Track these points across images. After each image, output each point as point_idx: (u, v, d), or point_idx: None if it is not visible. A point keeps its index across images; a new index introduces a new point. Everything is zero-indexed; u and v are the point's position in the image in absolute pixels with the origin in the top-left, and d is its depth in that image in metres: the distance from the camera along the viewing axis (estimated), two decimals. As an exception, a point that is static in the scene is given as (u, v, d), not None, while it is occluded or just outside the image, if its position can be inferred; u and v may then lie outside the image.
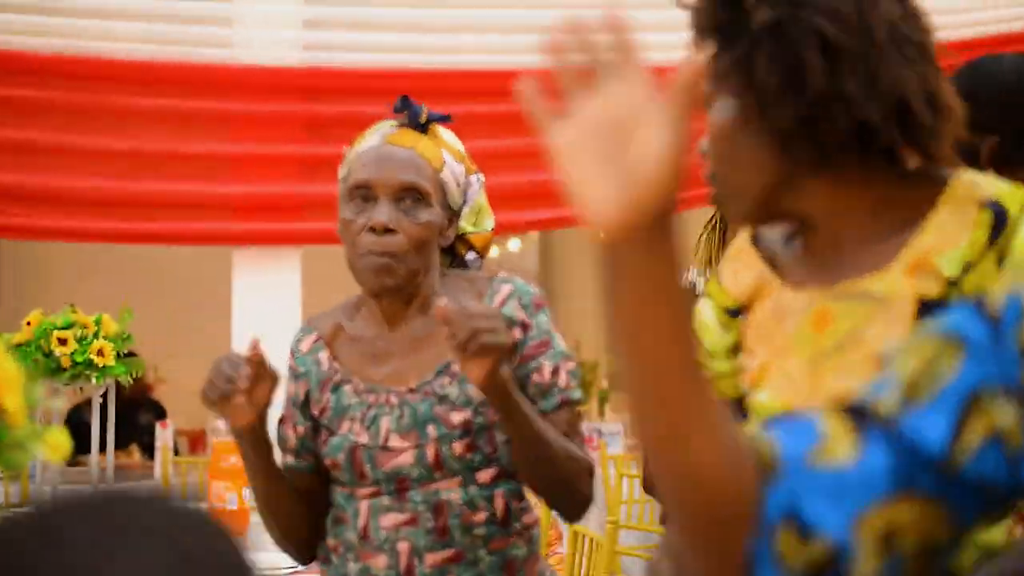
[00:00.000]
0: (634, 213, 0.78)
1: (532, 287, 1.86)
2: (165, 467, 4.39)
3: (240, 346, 4.38)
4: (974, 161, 1.87)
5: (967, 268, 1.24)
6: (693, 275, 2.76)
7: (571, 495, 1.82)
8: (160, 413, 6.01)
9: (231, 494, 3.01)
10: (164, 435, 4.74)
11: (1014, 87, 1.94)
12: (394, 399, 1.80)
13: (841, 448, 0.79)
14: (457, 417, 1.76)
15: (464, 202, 1.89)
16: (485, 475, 1.78)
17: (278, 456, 1.87)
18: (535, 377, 1.80)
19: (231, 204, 4.40)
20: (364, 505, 1.80)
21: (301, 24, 4.44)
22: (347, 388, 1.84)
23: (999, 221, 1.25)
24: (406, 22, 4.52)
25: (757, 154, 1.29)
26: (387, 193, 1.79)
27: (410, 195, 1.79)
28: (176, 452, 5.09)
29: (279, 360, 4.71)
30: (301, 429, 1.89)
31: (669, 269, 0.80)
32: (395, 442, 1.78)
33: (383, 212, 1.77)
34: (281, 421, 1.93)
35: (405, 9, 4.52)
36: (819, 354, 1.30)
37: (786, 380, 1.33)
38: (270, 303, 4.38)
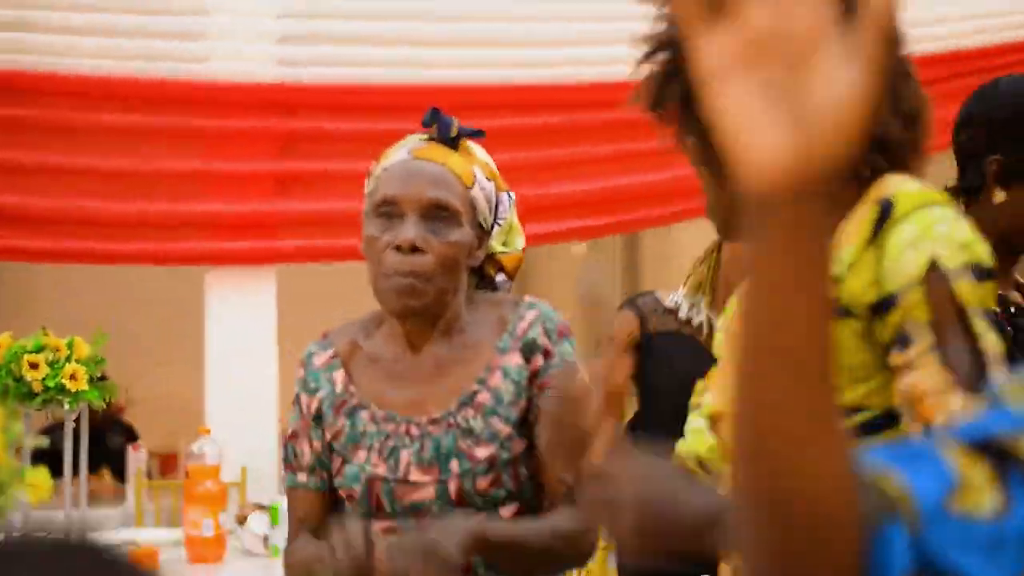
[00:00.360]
0: (805, 167, 0.64)
1: (558, 314, 1.79)
2: (139, 491, 4.32)
3: (213, 368, 4.31)
4: (983, 181, 1.97)
5: (849, 268, 1.25)
6: (678, 297, 2.75)
7: (572, 562, 1.83)
8: (131, 435, 5.93)
9: (207, 520, 2.96)
10: (136, 458, 4.66)
11: (1008, 105, 2.00)
12: (415, 430, 1.73)
13: (983, 496, 0.69)
14: (482, 452, 1.70)
15: (494, 221, 1.81)
16: (507, 511, 1.72)
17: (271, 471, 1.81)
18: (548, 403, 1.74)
19: (204, 223, 4.33)
20: (382, 543, 1.69)
21: (275, 40, 4.39)
22: (363, 414, 1.76)
23: (882, 217, 1.25)
24: (382, 37, 4.48)
25: (706, 173, 1.33)
26: (415, 210, 1.70)
27: (439, 212, 1.71)
28: (149, 476, 5.01)
29: (261, 378, 4.62)
30: (318, 444, 1.80)
31: (827, 240, 0.67)
32: (416, 475, 1.71)
33: (410, 230, 1.69)
34: (293, 436, 1.83)
35: (381, 24, 4.48)
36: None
37: (719, 386, 1.36)
38: (244, 323, 4.32)
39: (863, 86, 0.63)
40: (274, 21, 4.38)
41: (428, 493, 1.70)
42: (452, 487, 1.70)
